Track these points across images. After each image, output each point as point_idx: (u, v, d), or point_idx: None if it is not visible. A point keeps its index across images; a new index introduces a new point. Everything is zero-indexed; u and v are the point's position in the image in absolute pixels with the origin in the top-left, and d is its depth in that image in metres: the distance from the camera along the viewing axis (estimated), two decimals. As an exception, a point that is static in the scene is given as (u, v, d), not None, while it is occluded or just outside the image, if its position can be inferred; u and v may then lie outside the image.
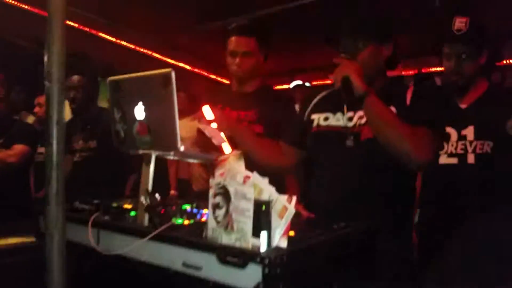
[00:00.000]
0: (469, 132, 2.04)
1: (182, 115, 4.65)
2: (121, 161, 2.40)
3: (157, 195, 1.38)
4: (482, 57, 2.05)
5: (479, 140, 2.01)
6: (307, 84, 4.92)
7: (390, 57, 1.76)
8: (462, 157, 2.03)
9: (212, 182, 1.20)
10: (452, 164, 2.06)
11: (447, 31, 2.02)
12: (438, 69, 6.16)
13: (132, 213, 1.51)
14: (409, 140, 1.55)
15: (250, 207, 1.10)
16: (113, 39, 5.88)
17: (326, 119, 1.83)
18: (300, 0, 4.58)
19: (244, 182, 1.16)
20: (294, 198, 1.12)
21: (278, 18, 4.77)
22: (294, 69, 6.11)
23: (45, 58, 1.27)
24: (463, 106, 2.12)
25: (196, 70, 7.11)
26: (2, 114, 3.63)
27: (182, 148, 1.32)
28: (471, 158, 2.01)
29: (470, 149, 2.02)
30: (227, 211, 1.15)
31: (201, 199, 1.50)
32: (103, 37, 5.82)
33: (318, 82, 6.75)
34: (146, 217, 1.38)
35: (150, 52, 6.25)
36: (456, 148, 2.05)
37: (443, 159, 2.08)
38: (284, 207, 1.10)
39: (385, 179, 1.68)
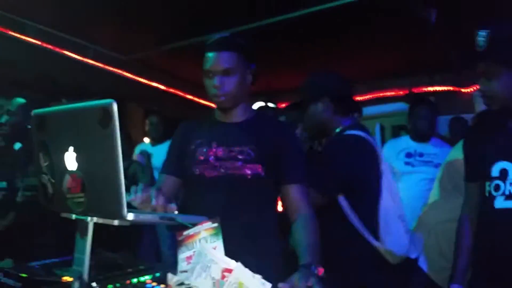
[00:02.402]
0: None
1: (157, 143, 4.17)
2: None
3: (94, 284, 0.94)
4: None
5: None
6: (270, 104, 4.44)
7: None
8: None
9: (171, 278, 0.77)
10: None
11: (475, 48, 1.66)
12: (431, 88, 5.94)
13: (72, 295, 1.09)
14: None
15: (232, 326, 0.67)
16: (80, 58, 5.42)
17: None
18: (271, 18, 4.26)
19: (223, 278, 0.74)
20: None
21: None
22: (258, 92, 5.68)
23: None
24: None
25: (171, 90, 6.66)
26: None
27: (130, 217, 0.90)
28: None
29: None
30: (195, 328, 0.72)
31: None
32: (70, 56, 5.36)
33: (285, 104, 6.39)
34: (79, 316, 0.95)
35: (120, 71, 5.79)
36: None
37: (500, 203, 1.65)
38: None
39: None
